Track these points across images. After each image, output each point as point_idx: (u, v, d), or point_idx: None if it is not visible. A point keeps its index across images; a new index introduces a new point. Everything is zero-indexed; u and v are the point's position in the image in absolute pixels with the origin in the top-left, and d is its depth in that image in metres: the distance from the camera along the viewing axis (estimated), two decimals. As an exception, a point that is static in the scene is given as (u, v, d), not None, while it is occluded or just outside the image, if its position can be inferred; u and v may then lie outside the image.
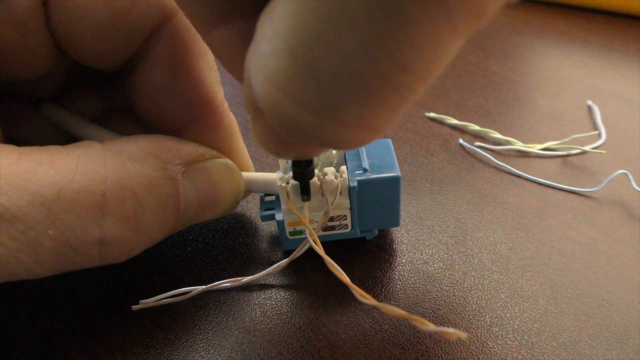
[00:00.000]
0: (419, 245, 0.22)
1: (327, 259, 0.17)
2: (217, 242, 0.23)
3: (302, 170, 0.17)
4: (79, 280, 0.21)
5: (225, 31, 0.12)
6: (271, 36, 0.09)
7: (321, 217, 0.20)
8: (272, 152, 0.12)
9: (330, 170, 0.19)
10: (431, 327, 0.13)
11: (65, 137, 0.20)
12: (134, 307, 0.20)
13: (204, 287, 0.20)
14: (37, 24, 0.16)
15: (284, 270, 0.21)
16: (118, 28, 0.17)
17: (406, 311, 0.14)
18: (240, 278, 0.20)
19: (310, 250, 0.18)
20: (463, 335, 0.13)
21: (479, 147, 0.28)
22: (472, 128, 0.29)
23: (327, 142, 0.10)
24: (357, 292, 0.15)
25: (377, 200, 0.20)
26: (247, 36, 0.12)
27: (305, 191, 0.19)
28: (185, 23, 0.18)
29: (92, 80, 0.21)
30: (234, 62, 0.13)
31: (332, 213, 0.20)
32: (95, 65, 0.18)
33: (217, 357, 0.18)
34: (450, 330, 0.13)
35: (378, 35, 0.08)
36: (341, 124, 0.09)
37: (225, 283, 0.20)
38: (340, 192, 0.19)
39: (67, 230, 0.15)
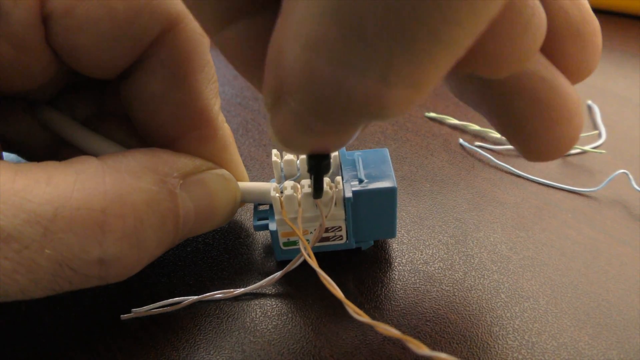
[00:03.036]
0: (419, 245, 0.22)
1: (321, 274, 0.16)
2: (217, 243, 0.23)
3: (318, 163, 0.15)
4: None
5: (234, 30, 0.12)
6: (309, 6, 0.08)
7: (316, 229, 0.19)
8: (291, 143, 0.12)
9: (325, 180, 0.19)
10: (425, 351, 0.13)
11: (57, 139, 0.20)
12: (123, 317, 0.19)
13: (195, 297, 0.20)
14: (35, 40, 0.16)
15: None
16: (120, 39, 0.17)
17: (401, 332, 0.14)
18: (232, 290, 0.20)
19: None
20: None
21: (479, 146, 0.28)
22: (472, 128, 0.29)
23: (372, 107, 0.09)
24: (351, 308, 0.15)
25: (373, 211, 0.20)
26: (258, 33, 0.12)
27: (318, 186, 0.17)
28: (187, 33, 0.18)
29: (88, 84, 0.21)
30: (245, 60, 0.12)
31: (327, 224, 0.20)
32: (95, 74, 0.18)
33: (218, 357, 0.18)
34: (444, 356, 0.12)
35: None
36: (389, 85, 0.09)
37: (217, 294, 0.20)
38: (335, 203, 0.19)
39: (65, 250, 0.15)
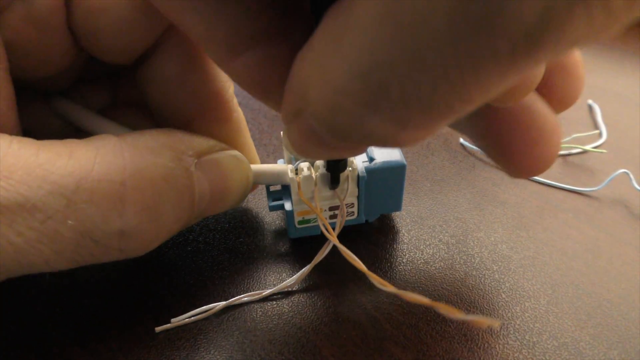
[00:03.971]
0: (420, 244, 0.22)
1: (343, 248, 0.17)
2: (217, 242, 0.23)
3: (336, 162, 0.18)
4: (79, 278, 0.21)
5: (248, 59, 0.12)
6: (340, 59, 0.09)
7: (337, 218, 0.20)
8: (306, 152, 0.12)
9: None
10: (460, 315, 0.13)
11: (73, 129, 0.21)
12: (158, 329, 0.19)
13: (224, 302, 0.20)
14: (57, 22, 0.16)
15: (283, 270, 0.21)
16: (139, 22, 0.17)
17: (429, 298, 0.14)
18: (260, 291, 0.20)
19: (310, 250, 0.18)
20: (496, 323, 0.12)
21: (480, 146, 0.28)
22: (472, 127, 0.29)
23: (389, 140, 0.10)
24: (375, 279, 0.15)
25: (383, 187, 0.21)
26: (267, 62, 0.12)
27: (335, 181, 0.20)
28: None
29: (102, 72, 0.21)
30: (260, 87, 0.13)
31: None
32: (113, 59, 0.18)
33: (218, 356, 0.18)
34: (481, 318, 0.12)
35: (449, 78, 0.08)
36: (405, 129, 0.10)
37: (244, 297, 0.20)
38: (349, 182, 0.20)
39: (87, 220, 0.15)
